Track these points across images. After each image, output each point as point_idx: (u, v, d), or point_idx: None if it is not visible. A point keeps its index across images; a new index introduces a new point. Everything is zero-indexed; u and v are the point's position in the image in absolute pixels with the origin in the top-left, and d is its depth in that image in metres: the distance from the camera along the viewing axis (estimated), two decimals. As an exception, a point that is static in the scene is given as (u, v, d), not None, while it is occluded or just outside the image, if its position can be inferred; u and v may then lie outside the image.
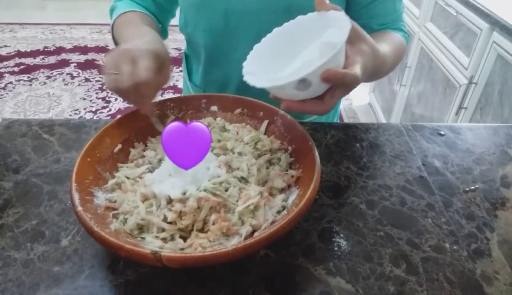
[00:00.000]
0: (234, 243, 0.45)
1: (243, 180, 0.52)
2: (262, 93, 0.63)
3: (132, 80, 0.50)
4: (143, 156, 0.57)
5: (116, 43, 0.72)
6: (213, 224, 0.46)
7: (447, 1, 1.46)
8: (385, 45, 0.64)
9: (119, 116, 0.59)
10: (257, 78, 0.47)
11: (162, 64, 0.56)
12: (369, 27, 0.74)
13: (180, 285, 0.45)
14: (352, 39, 0.48)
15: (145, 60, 0.51)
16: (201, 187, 0.48)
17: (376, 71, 0.57)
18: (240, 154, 0.56)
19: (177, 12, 0.84)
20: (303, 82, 0.43)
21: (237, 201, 0.49)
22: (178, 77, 2.76)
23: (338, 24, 0.47)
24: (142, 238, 0.46)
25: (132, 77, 0.50)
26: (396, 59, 0.70)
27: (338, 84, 0.46)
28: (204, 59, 0.79)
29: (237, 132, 0.61)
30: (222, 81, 0.80)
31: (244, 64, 0.50)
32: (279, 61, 0.52)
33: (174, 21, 0.85)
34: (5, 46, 3.11)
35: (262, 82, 0.46)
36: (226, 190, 0.49)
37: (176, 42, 3.18)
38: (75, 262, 0.47)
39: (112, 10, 0.77)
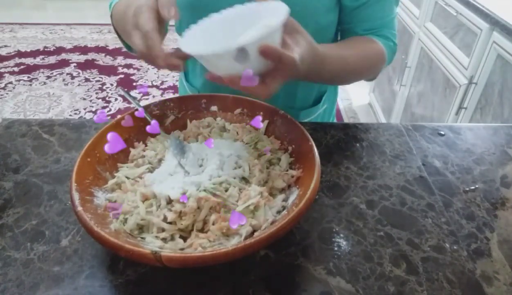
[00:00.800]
0: (234, 243, 0.44)
1: (244, 180, 0.52)
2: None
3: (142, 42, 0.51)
4: (143, 156, 0.57)
5: (117, 32, 0.72)
6: (213, 224, 0.46)
7: (447, 1, 1.46)
8: (342, 48, 0.65)
9: (119, 116, 0.59)
10: (194, 47, 0.48)
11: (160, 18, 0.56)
12: (354, 32, 0.74)
13: (180, 285, 0.45)
14: (289, 30, 0.50)
15: (142, 17, 0.52)
16: (201, 187, 0.48)
17: (317, 68, 0.58)
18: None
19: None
20: (241, 52, 0.44)
21: (237, 201, 0.49)
22: (178, 77, 2.76)
23: (276, 13, 0.48)
24: (142, 238, 0.46)
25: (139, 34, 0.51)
26: (361, 65, 0.70)
27: (276, 64, 0.47)
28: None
29: (237, 133, 0.61)
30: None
31: (178, 38, 0.51)
32: (216, 41, 0.52)
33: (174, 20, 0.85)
34: (5, 46, 3.11)
35: (199, 49, 0.46)
36: (226, 190, 0.49)
37: (176, 42, 3.18)
38: (75, 262, 0.47)
39: (110, 4, 0.76)
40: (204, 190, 0.48)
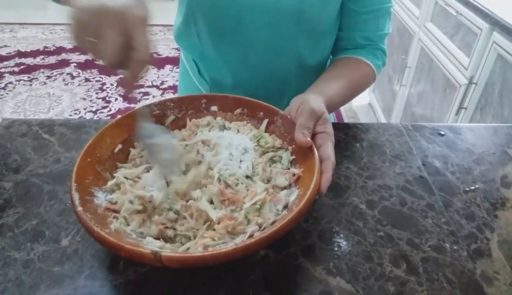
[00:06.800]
0: (239, 241, 0.44)
1: (248, 178, 0.52)
2: (257, 94, 0.64)
3: (119, 56, 0.42)
4: (142, 156, 0.57)
5: None
6: (219, 222, 0.46)
7: (447, 1, 1.46)
8: (341, 88, 0.69)
9: (119, 116, 0.59)
10: None
11: None
12: (353, 39, 0.76)
13: (180, 285, 0.45)
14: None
15: (143, 34, 0.42)
16: (216, 176, 0.50)
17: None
18: (245, 150, 0.56)
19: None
20: None
21: (244, 198, 0.49)
22: (177, 76, 2.75)
23: None
24: (142, 238, 0.46)
25: (127, 54, 0.42)
26: (353, 92, 0.74)
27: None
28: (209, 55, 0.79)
29: (238, 131, 0.61)
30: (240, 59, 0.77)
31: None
32: None
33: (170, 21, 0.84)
34: (5, 46, 3.11)
35: None
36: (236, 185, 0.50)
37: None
38: (75, 262, 0.47)
39: None
40: (218, 179, 0.49)
